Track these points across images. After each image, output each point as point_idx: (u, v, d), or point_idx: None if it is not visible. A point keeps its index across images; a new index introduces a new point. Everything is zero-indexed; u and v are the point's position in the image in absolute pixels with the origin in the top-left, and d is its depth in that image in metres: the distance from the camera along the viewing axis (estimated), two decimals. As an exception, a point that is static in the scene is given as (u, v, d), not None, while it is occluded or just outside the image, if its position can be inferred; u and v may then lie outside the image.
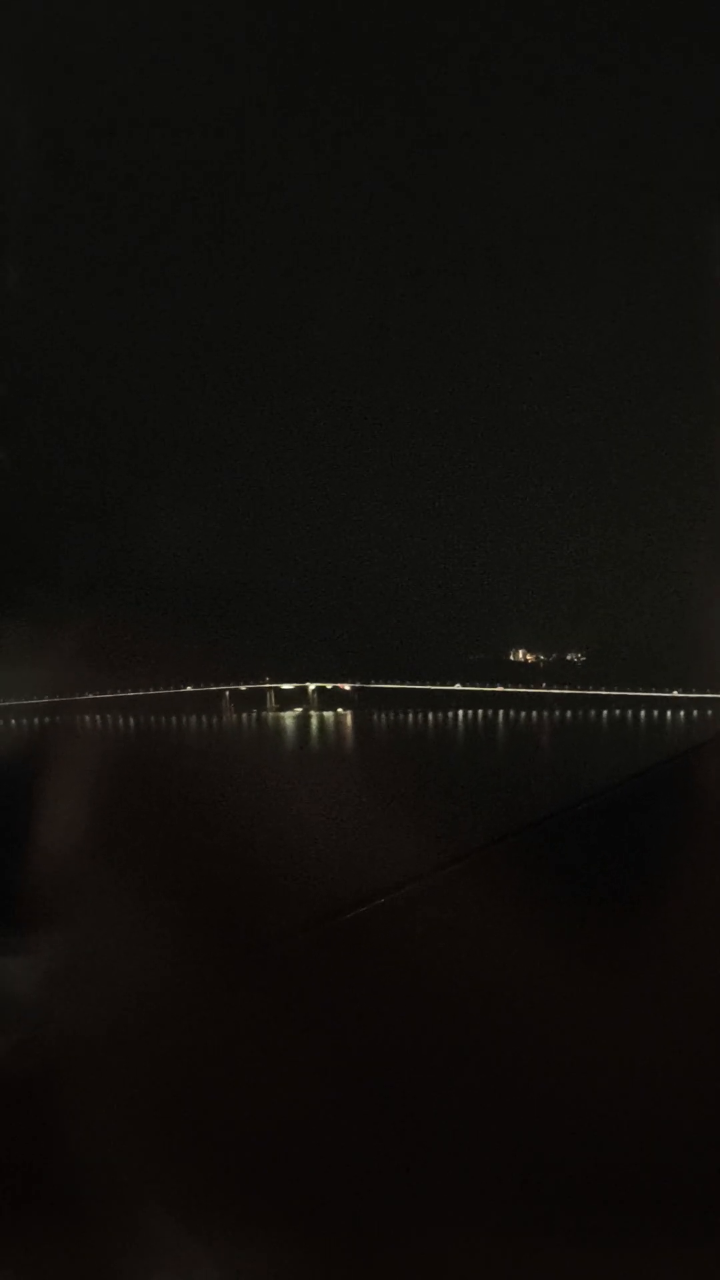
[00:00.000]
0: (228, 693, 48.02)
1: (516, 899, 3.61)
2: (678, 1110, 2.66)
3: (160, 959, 3.80)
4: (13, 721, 39.90)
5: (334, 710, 50.02)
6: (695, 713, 47.73)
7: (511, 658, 50.99)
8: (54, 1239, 2.41)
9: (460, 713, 49.94)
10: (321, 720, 49.61)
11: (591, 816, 5.51)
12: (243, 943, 3.76)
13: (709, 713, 47.11)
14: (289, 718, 49.58)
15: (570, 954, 3.19)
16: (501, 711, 50.05)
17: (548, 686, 50.17)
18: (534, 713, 49.87)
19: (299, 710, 49.84)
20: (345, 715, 49.99)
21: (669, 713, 48.52)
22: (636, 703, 49.12)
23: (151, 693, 43.22)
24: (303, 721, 49.40)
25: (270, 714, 49.42)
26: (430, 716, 49.78)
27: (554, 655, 50.74)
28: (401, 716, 49.78)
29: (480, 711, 50.07)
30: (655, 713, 48.69)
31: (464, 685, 50.01)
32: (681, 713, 48.32)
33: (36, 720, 39.89)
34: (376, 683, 49.75)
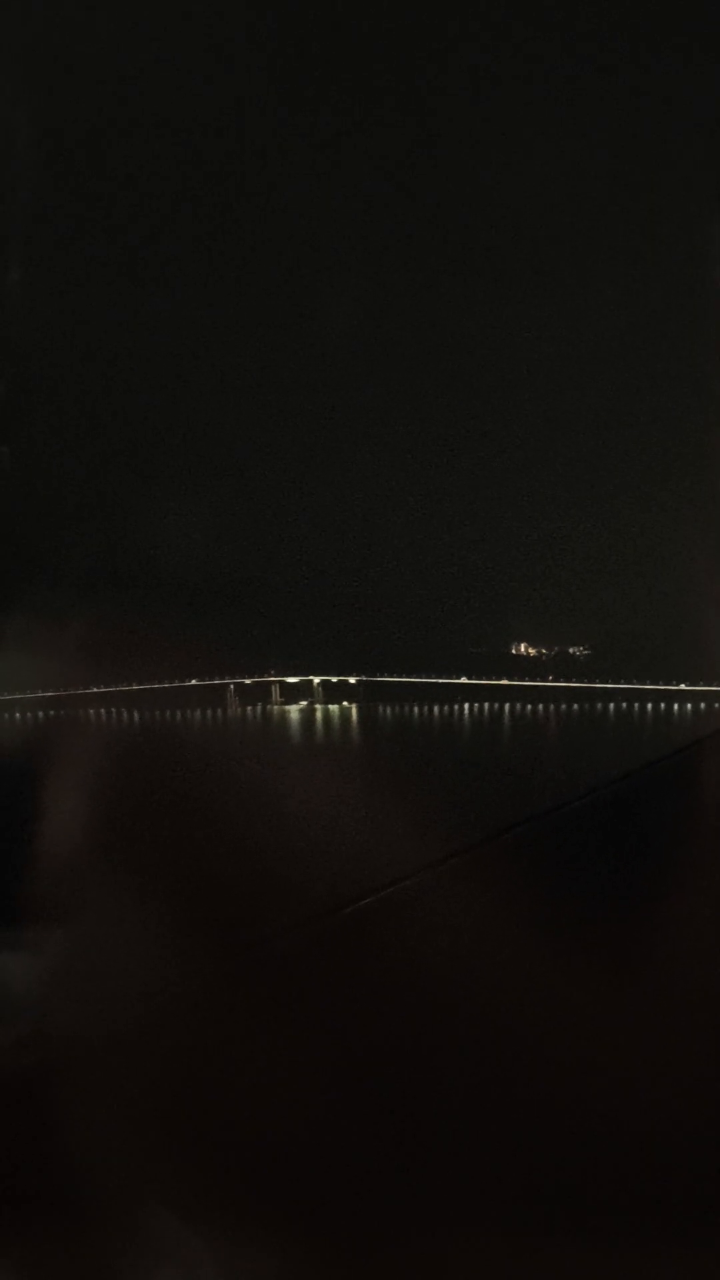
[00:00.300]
0: (232, 686, 48.04)
1: (516, 892, 3.60)
2: (678, 1105, 2.64)
3: (161, 956, 3.80)
4: (17, 715, 39.96)
5: (339, 703, 50.05)
6: (703, 705, 47.70)
7: (513, 651, 51.00)
8: (54, 1238, 2.40)
9: (466, 706, 49.92)
10: (326, 713, 49.63)
11: (591, 811, 5.49)
12: (243, 939, 3.74)
13: (716, 705, 47.06)
14: (294, 711, 49.61)
15: (569, 948, 3.17)
16: (507, 705, 50.02)
17: (554, 680, 50.15)
18: (540, 706, 49.84)
19: (304, 703, 49.87)
20: (350, 708, 50.00)
21: (676, 705, 48.47)
22: (644, 696, 49.08)
23: (156, 686, 43.26)
24: (307, 715, 49.42)
25: (275, 707, 49.45)
26: (436, 710, 49.75)
27: (555, 649, 50.73)
28: (407, 710, 49.76)
29: (486, 705, 50.04)
30: (663, 705, 48.65)
31: (470, 679, 49.99)
32: (689, 705, 48.27)
33: (41, 714, 39.95)
34: (381, 676, 49.77)
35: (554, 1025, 2.94)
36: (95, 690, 41.82)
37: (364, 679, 50.06)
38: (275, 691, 49.64)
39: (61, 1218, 2.44)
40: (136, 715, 42.76)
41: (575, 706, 49.71)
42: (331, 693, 50.07)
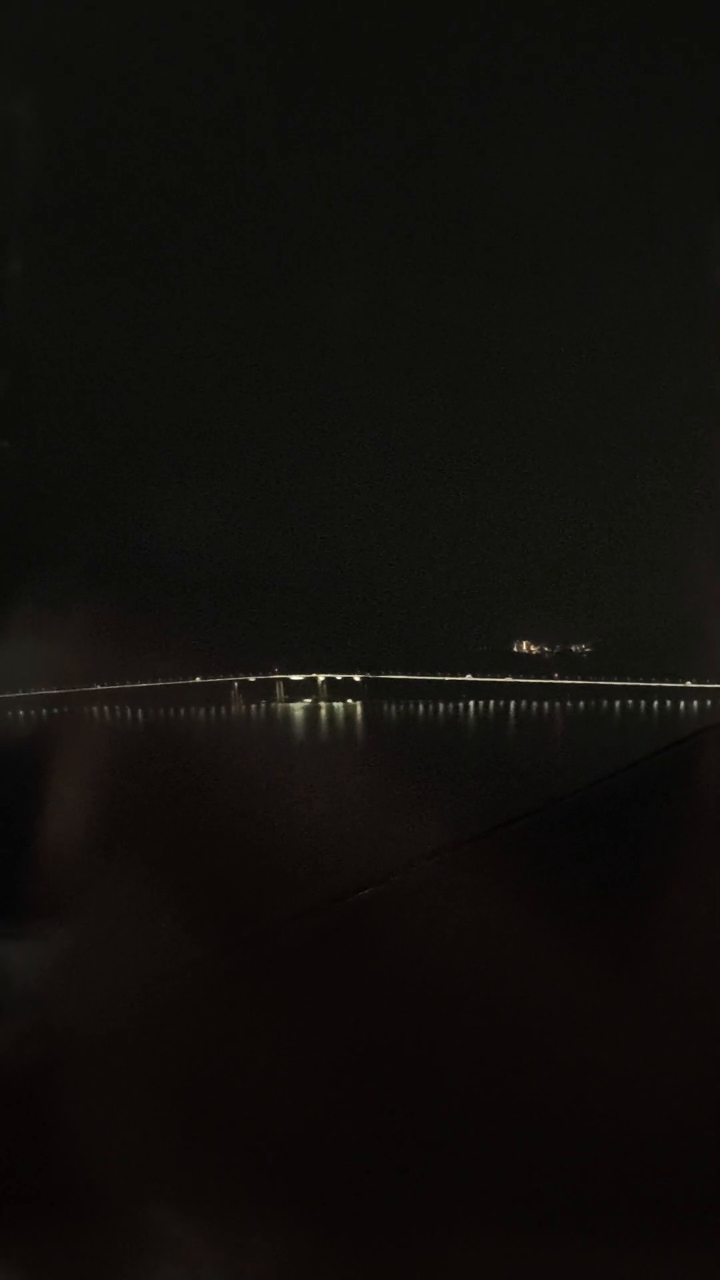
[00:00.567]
0: (236, 684, 48.09)
1: (516, 884, 3.59)
2: (678, 1100, 2.63)
3: (163, 949, 3.79)
4: (20, 713, 40.00)
5: (343, 701, 50.08)
6: (709, 702, 47.65)
7: (515, 649, 51.00)
8: (54, 1237, 2.40)
9: (471, 704, 49.93)
10: (331, 711, 49.66)
11: (590, 803, 5.48)
12: (244, 932, 3.74)
13: (721, 702, 47.04)
14: (298, 709, 49.65)
15: (570, 940, 3.16)
16: (513, 702, 50.02)
17: (559, 677, 50.13)
18: (546, 703, 49.84)
19: (308, 701, 49.90)
20: (355, 706, 50.03)
21: (682, 703, 48.45)
22: (649, 693, 49.07)
23: (159, 684, 43.27)
24: (312, 712, 49.46)
25: (279, 705, 49.49)
26: (441, 707, 49.78)
27: (557, 647, 50.72)
28: (412, 708, 49.79)
29: (491, 703, 50.05)
30: (669, 703, 48.63)
31: (475, 676, 49.99)
32: (695, 703, 48.25)
33: (44, 711, 39.99)
34: (385, 674, 49.80)
35: (555, 1017, 2.93)
36: (98, 688, 41.86)
37: (368, 676, 50.09)
38: (279, 689, 49.69)
39: (61, 1216, 2.44)
40: (140, 713, 42.79)
41: (581, 704, 49.70)
42: (336, 690, 50.12)
